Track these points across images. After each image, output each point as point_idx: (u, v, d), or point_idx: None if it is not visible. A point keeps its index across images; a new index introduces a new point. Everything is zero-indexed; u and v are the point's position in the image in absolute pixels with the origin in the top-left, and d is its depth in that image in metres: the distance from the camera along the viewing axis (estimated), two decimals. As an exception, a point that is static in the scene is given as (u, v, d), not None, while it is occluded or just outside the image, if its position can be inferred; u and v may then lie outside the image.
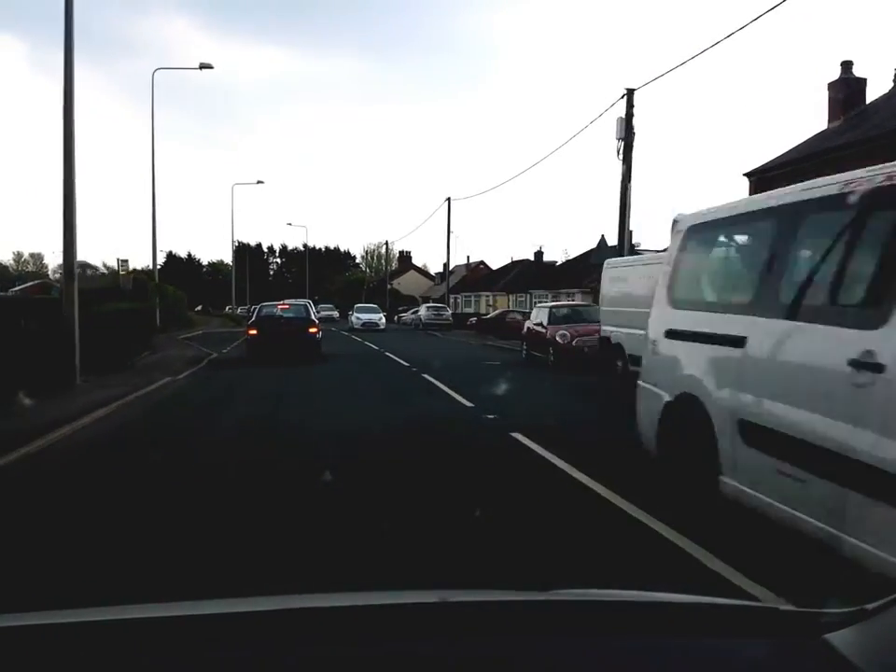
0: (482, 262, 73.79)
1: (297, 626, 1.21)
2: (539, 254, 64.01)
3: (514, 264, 64.31)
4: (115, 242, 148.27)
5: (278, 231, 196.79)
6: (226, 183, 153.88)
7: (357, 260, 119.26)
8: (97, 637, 1.17)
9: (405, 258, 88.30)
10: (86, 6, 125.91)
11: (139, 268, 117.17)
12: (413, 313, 62.82)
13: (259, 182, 64.34)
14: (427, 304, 48.50)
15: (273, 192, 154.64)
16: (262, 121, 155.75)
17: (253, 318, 22.53)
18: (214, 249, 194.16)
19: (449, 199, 48.81)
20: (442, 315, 46.14)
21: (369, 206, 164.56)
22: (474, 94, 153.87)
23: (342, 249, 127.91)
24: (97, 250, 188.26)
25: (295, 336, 20.21)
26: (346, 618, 1.26)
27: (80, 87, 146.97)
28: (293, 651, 1.15)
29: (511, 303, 54.43)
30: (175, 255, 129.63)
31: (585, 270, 47.23)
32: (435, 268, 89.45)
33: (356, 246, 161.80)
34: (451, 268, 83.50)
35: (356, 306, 47.39)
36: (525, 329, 21.18)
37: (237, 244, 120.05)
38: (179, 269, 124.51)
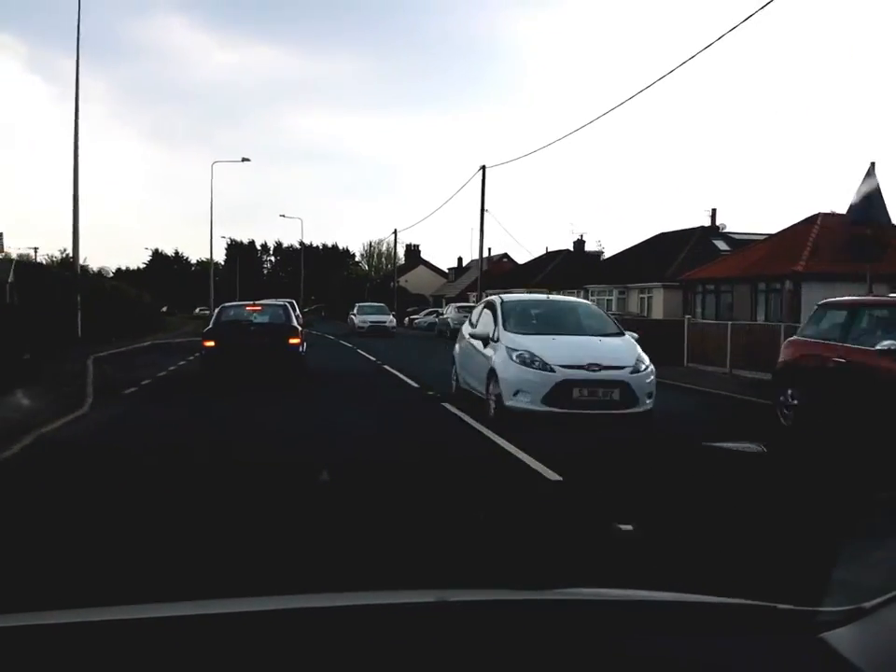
0: (505, 255, 61.57)
1: (295, 627, 1.17)
2: (579, 243, 51.89)
3: (550, 256, 52.09)
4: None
5: (272, 229, 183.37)
6: (217, 174, 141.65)
7: (357, 259, 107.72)
8: (96, 637, 1.12)
9: (413, 252, 75.55)
10: (85, 7, 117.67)
11: (119, 266, 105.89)
12: (429, 314, 50.60)
13: (244, 160, 52.97)
14: (458, 304, 35.89)
15: (268, 189, 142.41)
16: (255, 115, 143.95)
17: (210, 325, 15.61)
18: (204, 248, 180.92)
19: (484, 167, 36.71)
20: (482, 316, 33.97)
21: (369, 203, 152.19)
22: (483, 89, 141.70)
23: (340, 247, 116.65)
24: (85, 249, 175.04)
25: (268, 350, 14.57)
26: (345, 618, 1.23)
27: (85, 94, 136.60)
28: (292, 651, 1.11)
29: (555, 302, 42.24)
30: (161, 252, 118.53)
31: (663, 259, 35.06)
32: (446, 263, 76.97)
33: (355, 244, 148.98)
34: (466, 263, 71.28)
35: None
36: (813, 360, 8.82)
37: (229, 242, 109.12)
38: (166, 267, 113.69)
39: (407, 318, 50.72)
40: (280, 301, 20.10)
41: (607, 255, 51.11)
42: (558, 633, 1.18)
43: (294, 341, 14.97)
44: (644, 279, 34.66)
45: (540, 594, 1.47)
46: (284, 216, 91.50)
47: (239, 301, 27.52)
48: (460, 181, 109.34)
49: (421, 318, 48.68)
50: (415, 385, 14.64)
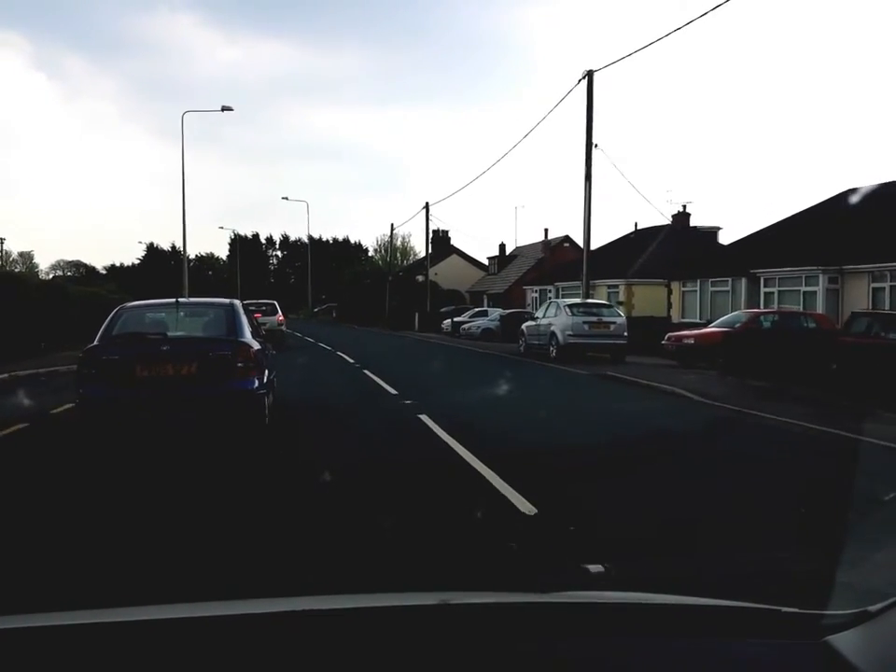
0: (566, 238, 46.27)
1: (299, 628, 1.14)
2: (682, 216, 36.50)
3: (642, 234, 36.79)
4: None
5: (278, 223, 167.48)
6: (224, 170, 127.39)
7: (371, 253, 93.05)
8: (97, 639, 1.10)
9: (442, 239, 59.99)
10: (90, 5, 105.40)
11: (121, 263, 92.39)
12: (476, 315, 35.38)
13: (224, 108, 38.11)
14: (571, 303, 20.02)
15: (275, 185, 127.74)
16: (261, 111, 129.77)
17: (96, 341, 8.09)
18: (205, 242, 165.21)
19: (591, 72, 21.61)
20: (611, 324, 18.99)
21: (379, 200, 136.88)
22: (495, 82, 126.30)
23: (351, 241, 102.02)
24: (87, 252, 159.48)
25: (190, 392, 7.53)
26: (348, 620, 1.19)
27: (93, 92, 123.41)
28: (295, 653, 1.08)
29: (684, 299, 26.88)
30: (157, 247, 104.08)
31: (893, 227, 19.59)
32: (478, 254, 61.47)
33: (367, 239, 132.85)
34: (511, 251, 56.01)
35: None
36: None
37: (233, 236, 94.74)
38: (163, 263, 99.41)
39: (448, 321, 35.47)
40: (221, 301, 9.19)
41: (725, 231, 35.77)
42: (561, 635, 1.15)
43: (242, 372, 7.59)
44: (882, 258, 19.31)
45: (544, 597, 1.40)
46: (286, 198, 78.01)
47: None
48: (476, 171, 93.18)
49: (470, 321, 33.44)
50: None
